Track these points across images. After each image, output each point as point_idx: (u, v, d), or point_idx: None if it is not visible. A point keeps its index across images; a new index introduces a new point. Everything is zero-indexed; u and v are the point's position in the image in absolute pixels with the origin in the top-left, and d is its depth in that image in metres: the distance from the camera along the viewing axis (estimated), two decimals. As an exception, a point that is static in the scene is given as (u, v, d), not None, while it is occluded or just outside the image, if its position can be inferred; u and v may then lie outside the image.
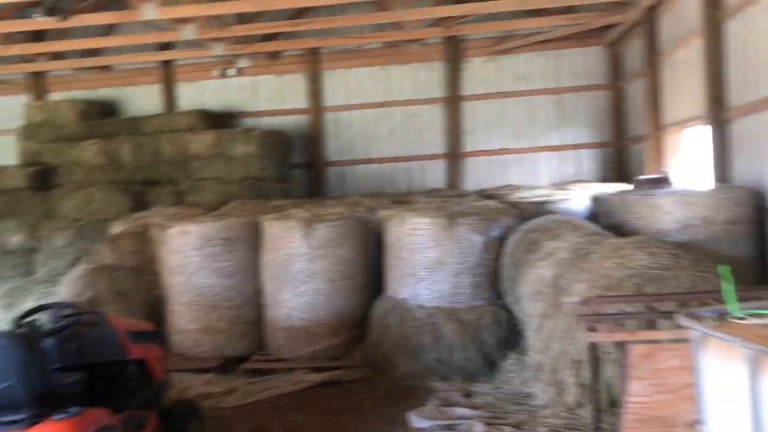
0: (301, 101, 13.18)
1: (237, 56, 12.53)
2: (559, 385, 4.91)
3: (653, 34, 10.28)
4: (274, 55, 13.10)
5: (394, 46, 12.80)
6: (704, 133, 8.31)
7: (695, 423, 2.44)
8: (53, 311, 4.05)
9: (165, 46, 12.87)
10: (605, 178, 11.98)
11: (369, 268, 7.32)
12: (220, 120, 12.72)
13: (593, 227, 6.67)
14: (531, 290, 5.82)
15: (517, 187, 10.49)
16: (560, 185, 10.80)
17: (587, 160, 12.72)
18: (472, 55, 12.82)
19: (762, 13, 6.80)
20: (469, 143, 12.84)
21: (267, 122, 13.02)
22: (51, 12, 9.17)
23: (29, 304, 7.90)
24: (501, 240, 6.80)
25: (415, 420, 5.15)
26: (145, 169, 11.73)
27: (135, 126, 12.29)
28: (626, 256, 5.19)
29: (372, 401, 5.88)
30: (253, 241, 7.43)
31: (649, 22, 10.31)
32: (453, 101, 12.81)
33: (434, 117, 12.90)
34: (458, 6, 11.00)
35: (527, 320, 5.89)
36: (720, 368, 2.13)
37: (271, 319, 7.24)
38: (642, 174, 9.97)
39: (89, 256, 8.25)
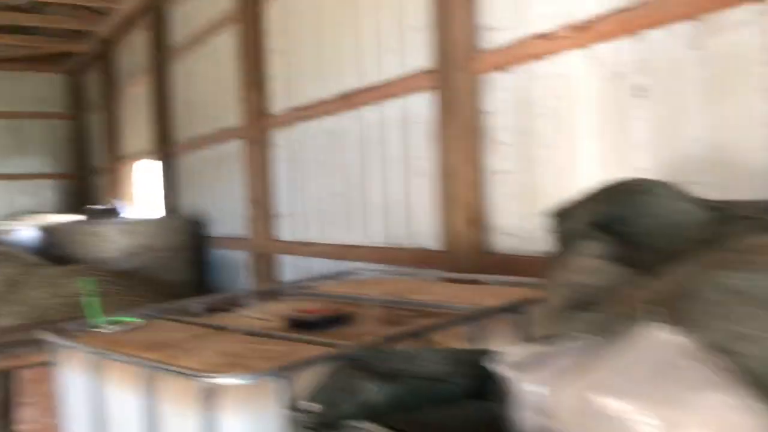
0: None
1: None
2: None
3: (111, 67, 10.41)
4: None
5: None
6: (156, 165, 8.71)
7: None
8: None
9: None
10: (66, 209, 11.54)
11: None
12: None
13: (31, 258, 6.35)
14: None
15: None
16: (15, 216, 10.11)
17: (48, 191, 12.12)
18: None
19: (202, 60, 7.40)
20: None
21: None
22: None
23: None
24: None
25: None
26: None
27: None
28: (59, 285, 5.26)
29: None
30: None
31: (106, 54, 10.41)
32: None
33: None
34: None
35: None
36: (75, 378, 2.18)
37: None
38: (97, 204, 9.97)
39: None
